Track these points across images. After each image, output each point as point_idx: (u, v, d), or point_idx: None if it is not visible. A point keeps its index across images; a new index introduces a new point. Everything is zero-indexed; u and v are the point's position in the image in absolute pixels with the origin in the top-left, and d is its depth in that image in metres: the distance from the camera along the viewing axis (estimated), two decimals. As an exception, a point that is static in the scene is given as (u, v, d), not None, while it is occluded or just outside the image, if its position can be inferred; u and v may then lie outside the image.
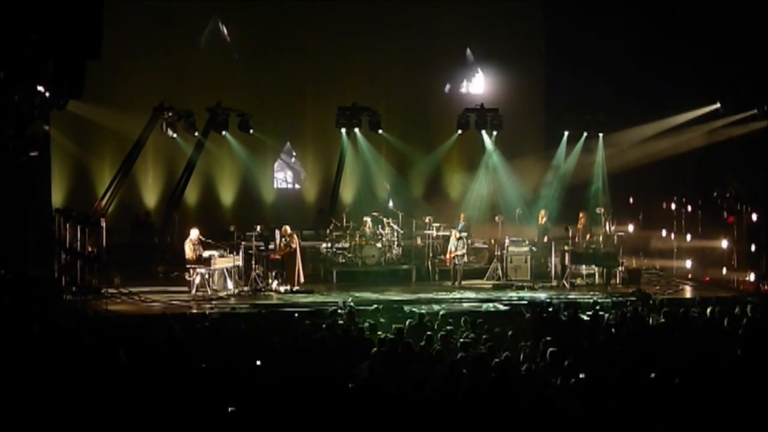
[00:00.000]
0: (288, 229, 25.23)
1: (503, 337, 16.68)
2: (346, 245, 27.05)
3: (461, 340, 16.20)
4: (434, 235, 27.32)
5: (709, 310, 19.07)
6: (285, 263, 24.92)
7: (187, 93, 29.28)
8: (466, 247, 26.24)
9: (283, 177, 33.01)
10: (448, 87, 33.23)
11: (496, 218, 27.52)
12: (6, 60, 20.38)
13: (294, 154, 32.76)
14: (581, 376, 13.71)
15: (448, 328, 17.16)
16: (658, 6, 28.07)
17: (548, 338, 15.73)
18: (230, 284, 24.25)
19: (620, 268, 26.03)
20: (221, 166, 30.74)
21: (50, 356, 14.22)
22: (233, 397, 12.55)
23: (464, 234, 26.35)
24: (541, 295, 23.92)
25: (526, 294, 24.36)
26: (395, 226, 27.44)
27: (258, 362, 14.67)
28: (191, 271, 24.01)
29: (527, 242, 26.50)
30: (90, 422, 11.76)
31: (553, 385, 13.27)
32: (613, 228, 26.58)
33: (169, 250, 27.20)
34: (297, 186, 32.98)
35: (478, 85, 33.17)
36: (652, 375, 13.63)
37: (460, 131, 29.89)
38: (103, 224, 24.68)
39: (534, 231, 27.36)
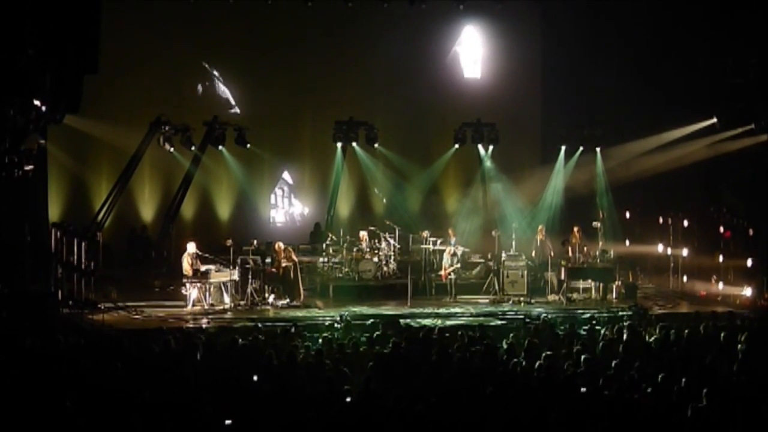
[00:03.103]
0: (281, 245, 25.23)
1: (499, 351, 16.71)
2: (343, 259, 27.05)
3: (458, 354, 16.21)
4: (431, 249, 27.28)
5: (704, 324, 19.14)
6: (285, 278, 24.87)
7: (184, 107, 29.32)
8: (460, 262, 26.23)
9: (280, 204, 32.79)
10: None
11: (493, 233, 27.49)
12: (2, 74, 20.41)
13: (290, 180, 32.56)
14: (583, 390, 13.76)
15: (445, 342, 17.17)
16: (653, 21, 28.10)
17: (547, 353, 15.78)
18: (227, 298, 24.22)
19: (617, 283, 26.00)
20: (218, 180, 30.69)
21: (47, 370, 14.23)
22: (230, 410, 12.56)
23: (458, 250, 26.31)
24: (538, 310, 23.90)
25: (523, 308, 24.34)
26: (392, 241, 27.43)
27: (255, 376, 14.68)
28: (188, 285, 24.02)
29: (524, 257, 26.47)
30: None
31: (550, 399, 13.28)
32: (603, 244, 26.58)
33: (166, 264, 27.19)
34: (294, 216, 32.75)
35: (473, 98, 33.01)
36: (649, 390, 13.67)
37: (457, 145, 29.92)
38: (100, 238, 24.71)
39: (531, 245, 27.32)
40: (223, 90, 31.07)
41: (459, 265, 26.16)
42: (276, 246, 25.15)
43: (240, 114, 30.05)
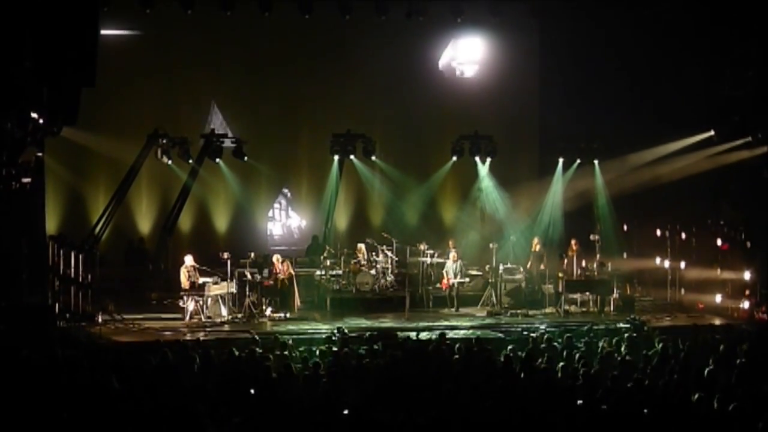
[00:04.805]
0: (279, 257, 25.24)
1: (497, 363, 16.68)
2: (340, 272, 27.02)
3: (456, 366, 16.19)
4: (429, 261, 27.26)
5: (703, 337, 19.13)
6: (282, 290, 24.87)
7: (182, 120, 29.32)
8: (462, 271, 26.25)
9: (277, 216, 32.77)
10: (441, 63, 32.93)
11: (490, 245, 27.46)
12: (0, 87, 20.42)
13: (287, 193, 32.56)
14: (581, 402, 13.73)
15: (443, 354, 17.14)
16: (650, 35, 28.12)
17: (545, 365, 15.77)
18: (224, 311, 24.21)
19: (614, 296, 25.99)
20: (215, 192, 30.65)
21: (44, 382, 14.20)
22: (227, 423, 12.53)
23: (460, 260, 26.31)
24: (535, 323, 23.88)
25: (521, 321, 24.33)
26: (389, 253, 27.41)
27: (252, 389, 14.66)
28: (185, 297, 24.01)
29: (521, 269, 26.48)
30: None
31: (548, 411, 13.25)
32: (601, 257, 26.58)
33: (163, 277, 27.14)
34: (291, 229, 32.72)
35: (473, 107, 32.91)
36: (647, 402, 13.64)
37: (455, 158, 29.83)
38: (97, 251, 24.70)
39: (528, 258, 27.32)
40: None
41: (467, 279, 26.24)
42: (274, 259, 25.18)
43: (237, 127, 30.02)
